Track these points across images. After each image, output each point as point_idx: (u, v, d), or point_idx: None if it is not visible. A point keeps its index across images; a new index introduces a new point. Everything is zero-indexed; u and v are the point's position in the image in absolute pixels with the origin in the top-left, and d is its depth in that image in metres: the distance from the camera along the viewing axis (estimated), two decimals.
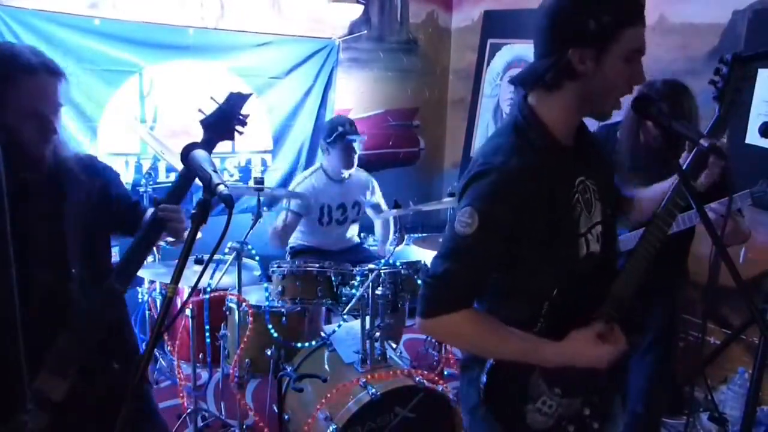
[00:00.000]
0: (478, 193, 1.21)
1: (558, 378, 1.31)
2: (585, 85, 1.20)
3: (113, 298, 1.52)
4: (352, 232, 3.55)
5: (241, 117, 1.60)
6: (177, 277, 1.15)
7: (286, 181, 3.98)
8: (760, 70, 2.74)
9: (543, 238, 1.23)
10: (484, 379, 1.32)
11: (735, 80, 1.23)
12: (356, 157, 3.29)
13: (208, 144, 1.52)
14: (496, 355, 1.30)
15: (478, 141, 4.41)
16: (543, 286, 1.28)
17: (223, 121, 1.57)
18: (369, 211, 3.58)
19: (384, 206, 3.57)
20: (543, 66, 1.21)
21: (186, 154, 1.33)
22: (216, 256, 2.96)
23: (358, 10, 3.99)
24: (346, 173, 3.30)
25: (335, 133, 3.21)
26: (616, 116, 2.27)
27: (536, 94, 1.27)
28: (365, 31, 4.18)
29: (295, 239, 3.42)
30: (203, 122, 1.56)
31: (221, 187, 1.16)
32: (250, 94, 1.62)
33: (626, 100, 1.30)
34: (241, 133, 1.60)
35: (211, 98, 1.60)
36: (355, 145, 3.24)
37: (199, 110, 1.57)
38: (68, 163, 1.52)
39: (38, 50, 1.45)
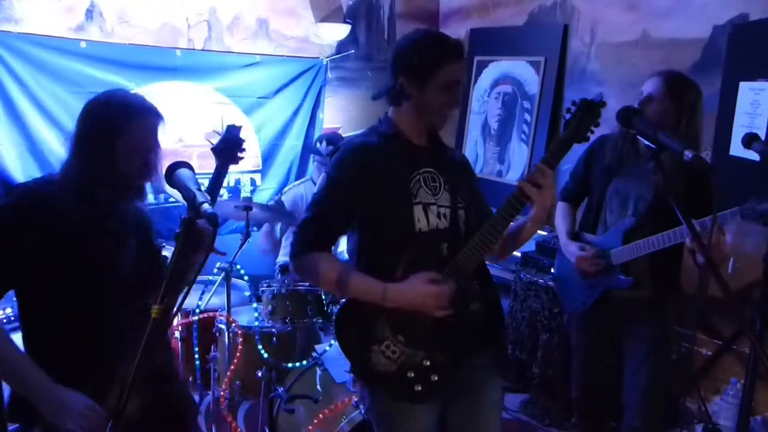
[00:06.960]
0: (330, 164, 1.62)
1: (402, 327, 1.56)
2: (416, 105, 1.58)
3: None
4: (342, 246, 3.53)
5: (241, 143, 1.82)
6: (162, 297, 1.13)
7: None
8: (741, 84, 2.78)
9: (381, 201, 1.55)
10: (335, 316, 1.64)
11: (580, 118, 1.52)
12: None
13: (222, 168, 1.75)
14: (345, 293, 1.60)
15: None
16: (392, 245, 1.56)
17: (228, 149, 1.80)
18: None
19: None
20: (387, 87, 1.60)
21: (170, 173, 1.32)
22: (205, 277, 2.94)
23: (345, 29, 4.02)
24: None
25: (317, 151, 3.29)
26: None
27: (391, 108, 1.66)
28: (353, 51, 4.21)
29: (285, 255, 3.40)
30: (214, 149, 1.80)
31: (206, 206, 1.15)
32: (241, 126, 1.85)
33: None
34: (241, 158, 1.83)
35: (214, 132, 1.84)
36: None
37: (207, 140, 1.85)
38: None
39: (143, 97, 1.60)
